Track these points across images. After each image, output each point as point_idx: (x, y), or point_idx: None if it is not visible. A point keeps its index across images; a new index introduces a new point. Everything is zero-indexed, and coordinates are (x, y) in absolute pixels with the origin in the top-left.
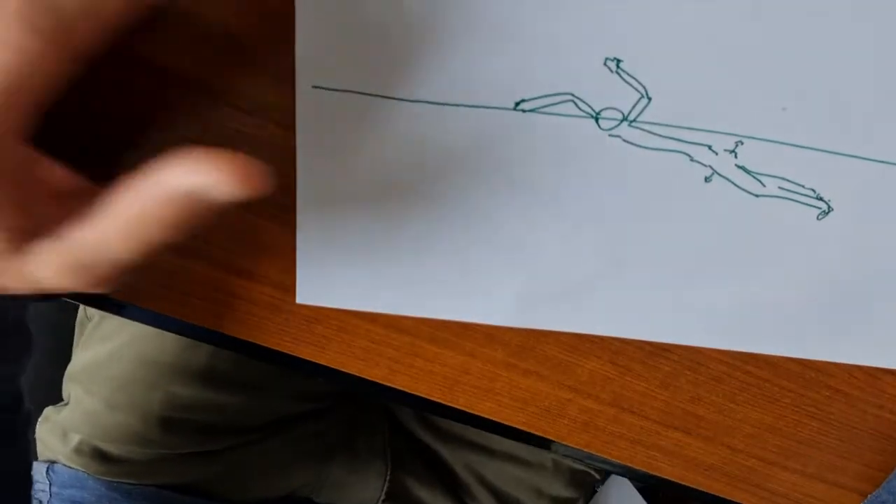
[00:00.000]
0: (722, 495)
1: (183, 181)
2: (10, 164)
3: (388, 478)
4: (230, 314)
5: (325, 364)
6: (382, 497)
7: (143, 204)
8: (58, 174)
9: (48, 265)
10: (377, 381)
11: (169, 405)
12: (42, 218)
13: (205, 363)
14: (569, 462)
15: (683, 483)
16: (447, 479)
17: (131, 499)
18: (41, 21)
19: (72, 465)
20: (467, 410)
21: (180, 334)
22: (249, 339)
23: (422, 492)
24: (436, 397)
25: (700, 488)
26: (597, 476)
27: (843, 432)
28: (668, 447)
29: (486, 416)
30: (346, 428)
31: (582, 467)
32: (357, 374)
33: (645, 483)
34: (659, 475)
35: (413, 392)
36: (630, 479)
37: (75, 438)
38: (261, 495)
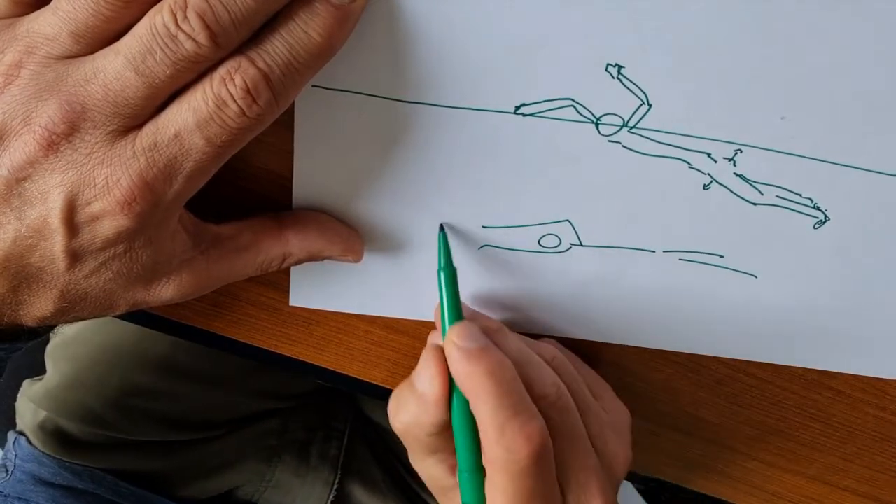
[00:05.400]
0: (724, 498)
1: (303, 252)
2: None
3: (334, 486)
4: (228, 315)
5: (325, 366)
6: None
7: (257, 266)
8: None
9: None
10: (377, 383)
11: (126, 391)
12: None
13: (163, 353)
14: None
15: (685, 485)
16: (415, 483)
17: (81, 480)
18: (217, 140)
19: (32, 442)
20: None
21: (177, 336)
22: (247, 341)
23: (372, 501)
24: None
25: (702, 491)
26: None
27: (845, 434)
28: (670, 449)
29: None
30: (303, 430)
31: None
32: (356, 377)
33: (646, 485)
34: (660, 477)
35: None
36: (631, 481)
37: (41, 414)
38: (206, 492)
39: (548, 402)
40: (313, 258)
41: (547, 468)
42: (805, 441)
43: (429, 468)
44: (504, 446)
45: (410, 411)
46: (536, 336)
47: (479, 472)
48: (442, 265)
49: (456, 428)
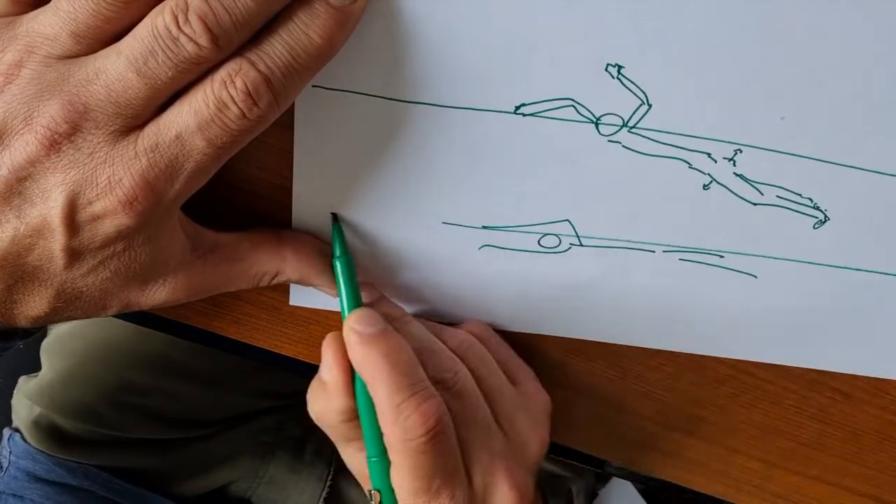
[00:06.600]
0: (724, 497)
1: (295, 272)
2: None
3: (328, 482)
4: (227, 315)
5: None
6: (320, 503)
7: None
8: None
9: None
10: None
11: (121, 387)
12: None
13: (159, 350)
14: (547, 466)
15: (685, 485)
16: None
17: (76, 476)
18: (218, 141)
19: (27, 438)
20: None
21: (176, 335)
22: (247, 341)
23: (365, 498)
24: None
25: (702, 490)
26: (576, 482)
27: (845, 434)
28: (670, 449)
29: None
30: (299, 428)
31: (560, 471)
32: None
33: (646, 485)
34: (661, 477)
35: None
36: (632, 481)
37: (36, 410)
38: (200, 489)
39: (444, 387)
40: (302, 282)
41: (447, 447)
42: (805, 441)
43: (349, 457)
44: (401, 426)
45: (319, 400)
46: (534, 335)
47: (387, 456)
48: (337, 254)
49: (361, 414)
